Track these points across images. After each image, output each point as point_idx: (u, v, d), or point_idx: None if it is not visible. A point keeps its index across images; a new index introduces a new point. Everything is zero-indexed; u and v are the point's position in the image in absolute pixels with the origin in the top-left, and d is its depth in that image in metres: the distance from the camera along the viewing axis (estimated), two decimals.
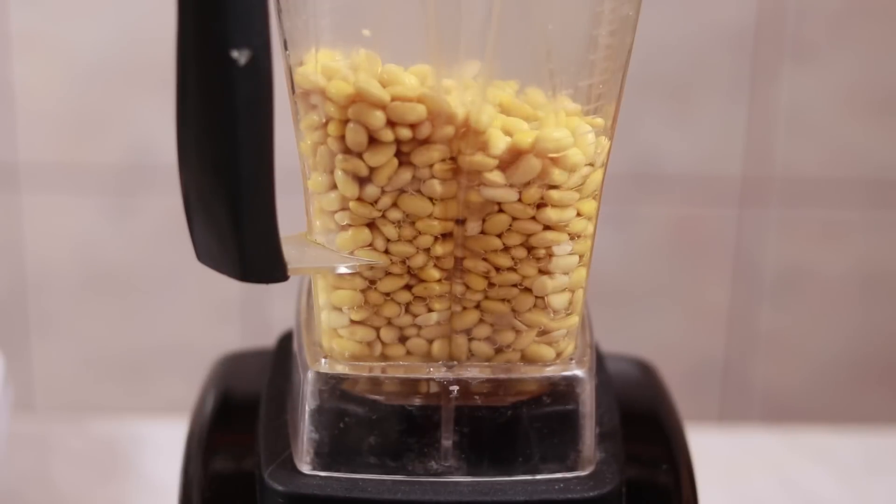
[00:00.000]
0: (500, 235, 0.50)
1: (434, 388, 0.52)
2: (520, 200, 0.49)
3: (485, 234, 0.50)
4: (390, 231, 0.50)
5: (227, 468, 0.56)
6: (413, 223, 0.50)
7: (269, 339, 0.62)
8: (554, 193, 0.49)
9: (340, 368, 0.52)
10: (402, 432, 0.52)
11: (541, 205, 0.50)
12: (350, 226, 0.50)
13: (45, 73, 1.02)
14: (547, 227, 0.50)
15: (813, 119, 1.04)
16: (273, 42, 0.45)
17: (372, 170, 0.49)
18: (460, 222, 0.50)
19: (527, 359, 0.52)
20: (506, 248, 0.50)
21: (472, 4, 0.48)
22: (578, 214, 0.50)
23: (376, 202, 0.49)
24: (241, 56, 0.44)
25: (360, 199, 0.50)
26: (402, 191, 0.49)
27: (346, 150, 0.49)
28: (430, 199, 0.50)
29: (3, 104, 1.03)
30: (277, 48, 0.47)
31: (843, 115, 1.04)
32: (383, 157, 0.49)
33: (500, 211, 0.50)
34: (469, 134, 0.49)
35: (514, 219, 0.50)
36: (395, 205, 0.50)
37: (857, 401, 1.12)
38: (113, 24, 1.01)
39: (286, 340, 0.60)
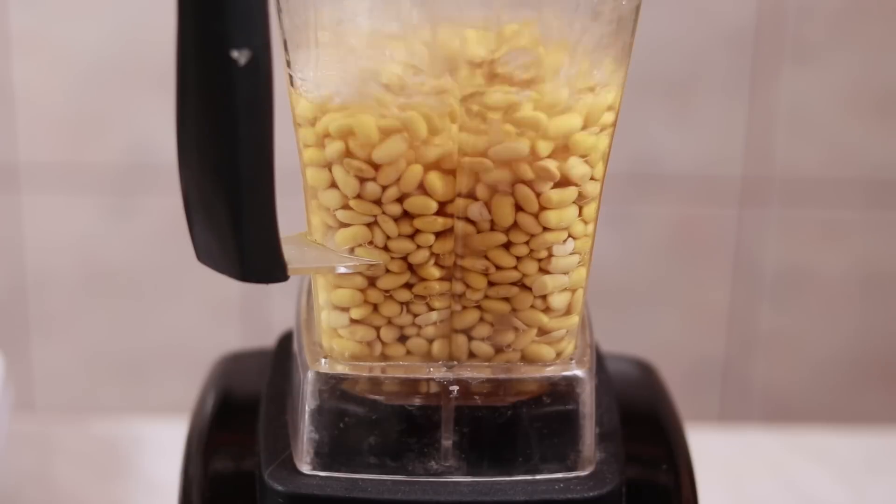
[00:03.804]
0: (502, 232, 0.50)
1: (434, 388, 0.52)
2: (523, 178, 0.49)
3: (485, 232, 0.50)
4: (390, 228, 0.50)
5: (227, 468, 0.56)
6: (413, 220, 0.50)
7: (269, 339, 0.62)
8: (554, 194, 0.49)
9: (340, 368, 0.52)
10: (402, 432, 0.52)
11: (541, 208, 0.49)
12: (350, 223, 0.50)
13: (45, 73, 1.02)
14: (547, 228, 0.50)
15: (813, 119, 1.04)
16: (273, 42, 0.45)
17: (377, 168, 0.49)
18: (461, 218, 0.50)
19: (527, 359, 0.52)
20: (506, 246, 0.50)
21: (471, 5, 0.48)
22: (579, 215, 0.50)
23: (377, 200, 0.49)
24: (241, 56, 0.44)
25: (360, 196, 0.49)
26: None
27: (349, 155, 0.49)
28: (432, 197, 0.49)
29: (3, 104, 1.03)
30: (277, 48, 0.47)
31: (843, 115, 1.04)
32: (392, 154, 0.49)
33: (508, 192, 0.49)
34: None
35: (519, 210, 0.49)
36: (396, 201, 0.49)
37: (857, 401, 1.12)
38: (112, 24, 1.01)
39: (286, 340, 0.60)
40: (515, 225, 0.50)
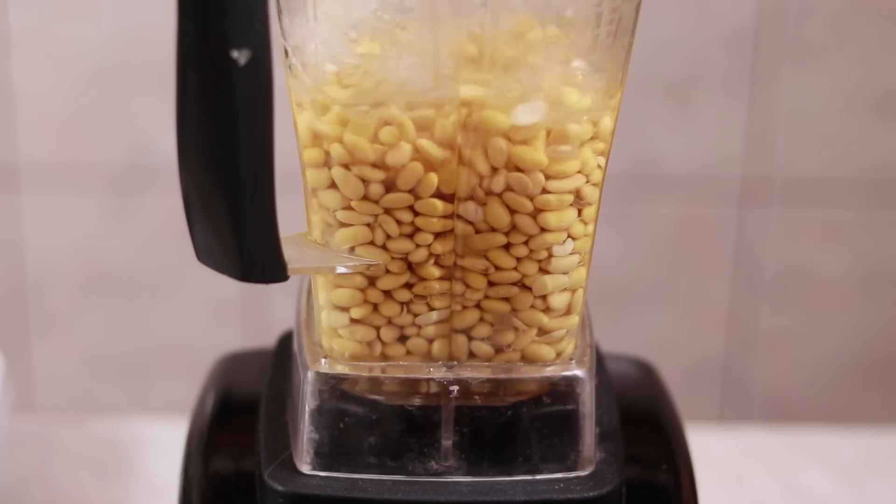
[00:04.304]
0: (501, 233, 0.50)
1: (434, 388, 0.52)
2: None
3: (485, 233, 0.50)
4: (391, 227, 0.50)
5: (227, 468, 0.56)
6: (414, 220, 0.50)
7: (269, 339, 0.62)
8: (552, 198, 0.49)
9: (340, 368, 0.52)
10: (402, 432, 0.52)
11: (539, 210, 0.49)
12: (350, 223, 0.50)
13: (45, 73, 1.02)
14: (546, 229, 0.50)
15: (813, 119, 1.04)
16: (273, 42, 0.45)
17: (387, 171, 0.49)
18: (460, 218, 0.50)
19: (527, 359, 0.52)
20: (506, 247, 0.50)
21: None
22: (578, 215, 0.50)
23: (380, 201, 0.49)
24: (241, 56, 0.44)
25: (364, 198, 0.49)
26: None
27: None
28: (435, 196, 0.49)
29: (3, 104, 1.03)
30: (277, 48, 0.47)
31: (843, 115, 1.04)
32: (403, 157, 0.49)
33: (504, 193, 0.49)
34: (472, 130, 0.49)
35: (514, 212, 0.49)
36: (403, 202, 0.49)
37: (857, 401, 1.12)
38: (112, 24, 1.01)
39: (286, 340, 0.60)
40: (514, 226, 0.50)
